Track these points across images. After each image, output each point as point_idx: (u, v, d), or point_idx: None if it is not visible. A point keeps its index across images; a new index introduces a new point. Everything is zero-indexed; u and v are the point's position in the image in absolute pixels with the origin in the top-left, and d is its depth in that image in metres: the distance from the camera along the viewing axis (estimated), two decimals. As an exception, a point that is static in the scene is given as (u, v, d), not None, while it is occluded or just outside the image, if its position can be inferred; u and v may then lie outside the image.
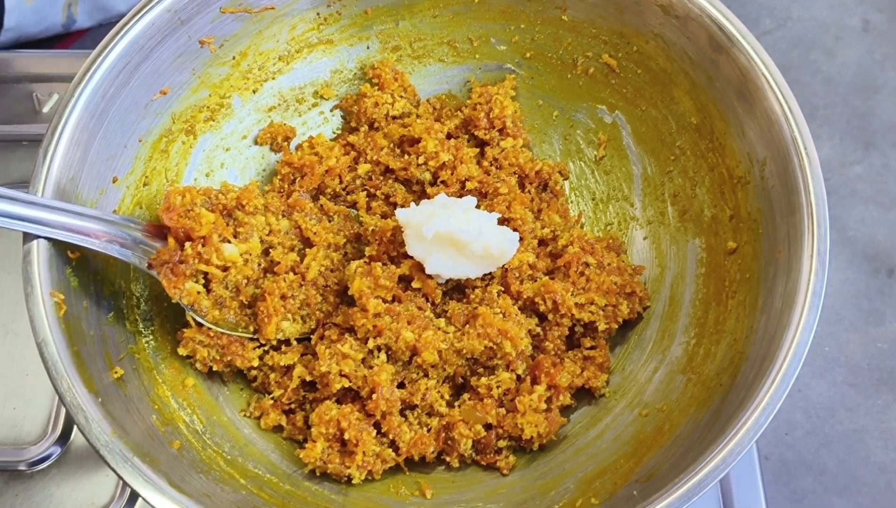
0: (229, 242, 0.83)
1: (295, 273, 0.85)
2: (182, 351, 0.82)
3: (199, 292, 0.81)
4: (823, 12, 1.65)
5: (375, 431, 0.81)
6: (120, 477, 0.65)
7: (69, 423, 0.88)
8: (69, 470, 0.87)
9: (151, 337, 0.82)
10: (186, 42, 0.85)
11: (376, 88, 0.97)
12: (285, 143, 0.97)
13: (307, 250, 0.87)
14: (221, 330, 0.82)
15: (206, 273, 0.81)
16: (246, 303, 0.84)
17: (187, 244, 0.80)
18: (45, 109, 1.04)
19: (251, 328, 0.83)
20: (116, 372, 0.74)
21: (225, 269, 0.82)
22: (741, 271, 0.81)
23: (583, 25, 0.93)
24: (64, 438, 0.88)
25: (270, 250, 0.86)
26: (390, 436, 0.81)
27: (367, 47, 0.98)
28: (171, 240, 0.80)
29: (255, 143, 0.96)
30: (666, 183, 0.91)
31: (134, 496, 0.85)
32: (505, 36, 0.97)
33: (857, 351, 1.31)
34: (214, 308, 0.82)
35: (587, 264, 0.87)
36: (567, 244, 0.89)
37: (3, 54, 1.11)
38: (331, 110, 1.00)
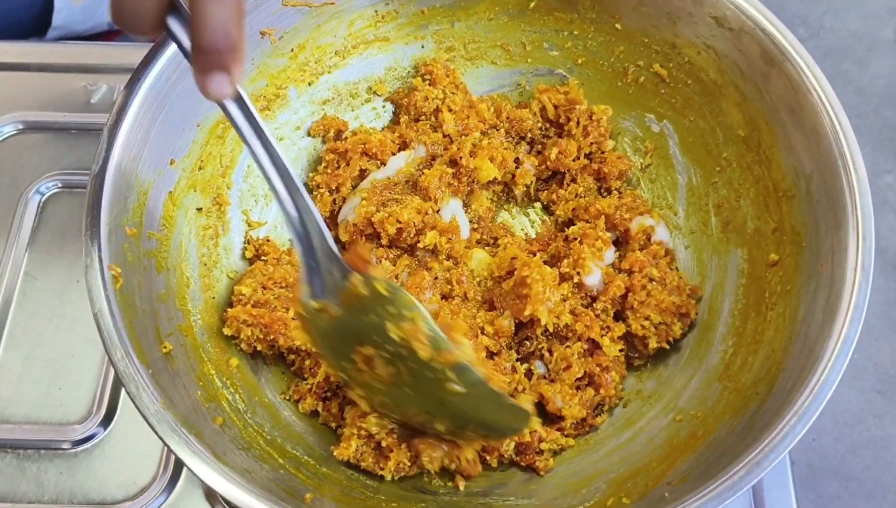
0: None
1: None
2: (227, 331, 0.84)
3: None
4: (856, 23, 1.65)
5: None
6: (167, 445, 0.66)
7: (113, 405, 0.90)
8: (112, 451, 0.89)
9: (199, 316, 0.84)
10: (248, 32, 0.87)
11: (427, 83, 0.99)
12: (337, 138, 0.99)
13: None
14: None
15: None
16: None
17: None
18: (94, 99, 1.06)
19: None
20: (165, 347, 0.76)
21: None
22: (782, 284, 0.81)
23: (635, 35, 0.94)
24: (108, 419, 0.90)
25: None
26: None
27: (422, 46, 1.00)
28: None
29: (308, 134, 0.98)
30: (710, 193, 0.92)
31: (175, 476, 0.87)
32: (558, 41, 0.98)
33: (886, 359, 1.30)
34: None
35: (651, 279, 0.88)
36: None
37: (53, 45, 1.15)
38: (382, 106, 1.02)
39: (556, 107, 0.98)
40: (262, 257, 0.91)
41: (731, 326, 0.85)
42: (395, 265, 0.89)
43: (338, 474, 0.80)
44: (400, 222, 0.88)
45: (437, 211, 0.92)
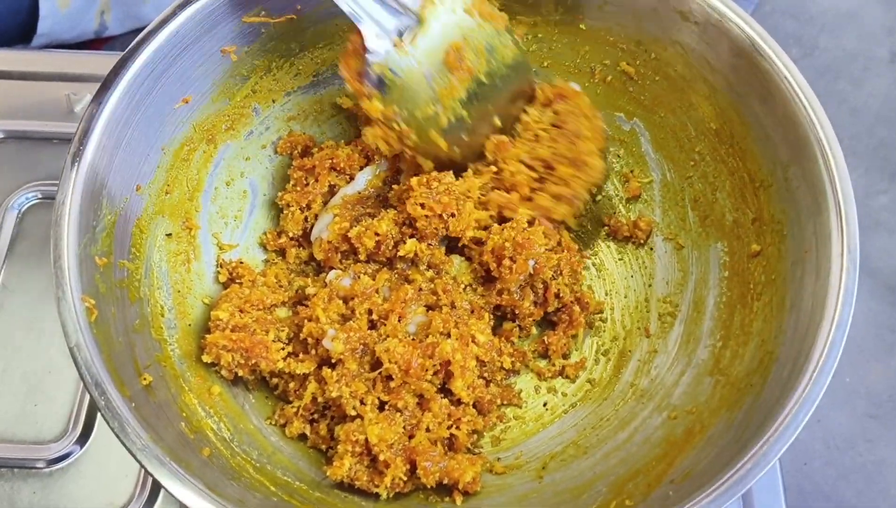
0: None
1: None
2: (206, 358, 0.81)
3: None
4: (851, 42, 1.66)
5: None
6: (158, 482, 0.64)
7: (90, 422, 0.88)
8: (88, 470, 0.86)
9: (176, 345, 0.81)
10: (209, 51, 0.85)
11: None
12: (304, 154, 0.96)
13: None
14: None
15: None
16: None
17: None
18: (77, 108, 1.04)
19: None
20: (145, 379, 0.73)
21: None
22: (766, 274, 0.81)
23: (600, 34, 0.94)
24: (84, 437, 0.87)
25: None
26: None
27: (386, 57, 0.98)
28: None
29: (276, 152, 0.96)
30: (686, 188, 0.92)
31: (152, 498, 0.84)
32: (523, 45, 0.97)
33: (879, 382, 1.30)
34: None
35: None
36: None
37: (36, 53, 1.13)
38: (347, 119, 1.00)
39: None
40: (237, 281, 0.89)
41: (717, 319, 0.85)
42: (374, 280, 0.87)
43: (332, 497, 0.77)
44: (378, 235, 0.86)
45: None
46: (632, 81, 0.94)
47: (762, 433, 0.66)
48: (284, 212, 0.94)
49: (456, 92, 0.83)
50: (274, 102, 0.95)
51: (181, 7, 0.81)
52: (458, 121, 0.85)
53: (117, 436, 0.65)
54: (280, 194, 0.94)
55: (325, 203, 0.94)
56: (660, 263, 0.92)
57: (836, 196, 0.74)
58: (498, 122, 0.89)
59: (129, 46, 0.80)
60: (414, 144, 0.85)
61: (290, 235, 0.93)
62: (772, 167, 0.82)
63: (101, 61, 1.08)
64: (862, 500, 1.25)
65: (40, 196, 1.00)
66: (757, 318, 0.80)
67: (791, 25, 1.69)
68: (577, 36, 0.95)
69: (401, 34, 0.81)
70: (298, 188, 0.93)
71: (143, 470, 0.84)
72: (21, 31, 1.17)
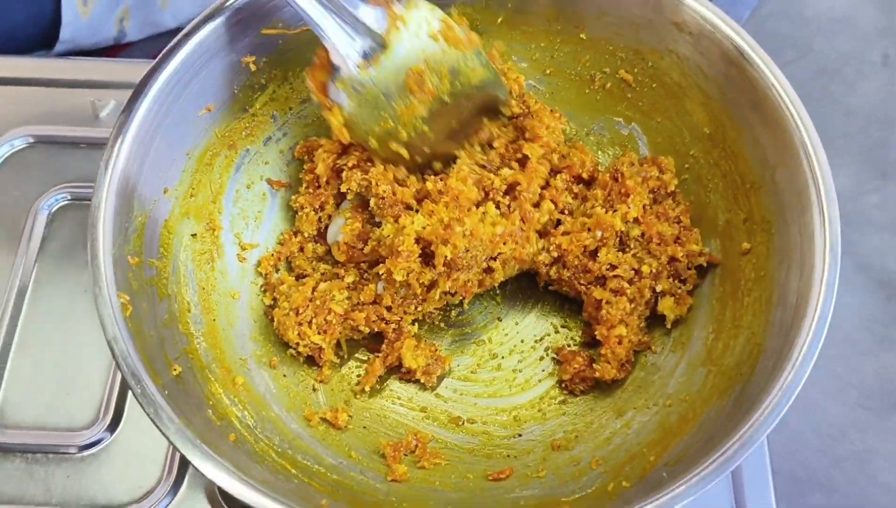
0: None
1: None
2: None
3: None
4: (845, 45, 1.70)
5: None
6: (184, 466, 0.69)
7: (119, 410, 0.93)
8: (118, 455, 0.91)
9: (202, 339, 0.87)
10: (230, 61, 0.91)
11: None
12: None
13: None
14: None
15: None
16: None
17: None
18: (103, 114, 1.10)
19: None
20: (175, 369, 0.79)
21: None
22: (756, 271, 0.86)
23: (600, 43, 0.99)
24: (114, 425, 0.92)
25: None
26: None
27: (396, 65, 1.03)
28: None
29: (293, 157, 1.01)
30: (681, 190, 0.97)
31: (178, 480, 0.89)
32: (526, 54, 1.02)
33: (870, 374, 1.34)
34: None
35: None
36: None
37: (61, 61, 1.18)
38: (361, 126, 1.05)
39: None
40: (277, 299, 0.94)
41: (710, 314, 0.90)
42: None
43: (348, 480, 0.83)
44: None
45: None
46: (630, 88, 0.99)
47: (749, 418, 0.71)
48: (299, 214, 0.99)
49: (417, 111, 0.89)
50: (290, 109, 1.00)
51: (206, 20, 0.87)
52: (420, 135, 0.90)
53: (153, 421, 0.70)
54: (294, 196, 0.99)
55: (338, 205, 0.99)
56: (656, 260, 0.97)
57: (819, 196, 0.79)
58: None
59: (157, 58, 0.85)
60: (373, 149, 0.91)
61: (306, 235, 0.98)
62: (761, 170, 0.87)
63: (124, 69, 1.13)
64: (852, 487, 1.30)
65: (69, 198, 1.05)
66: (747, 312, 0.85)
67: (787, 28, 1.73)
68: (577, 45, 1.00)
69: (366, 55, 0.86)
70: (311, 190, 0.98)
71: (169, 456, 0.90)
72: (42, 39, 1.22)
